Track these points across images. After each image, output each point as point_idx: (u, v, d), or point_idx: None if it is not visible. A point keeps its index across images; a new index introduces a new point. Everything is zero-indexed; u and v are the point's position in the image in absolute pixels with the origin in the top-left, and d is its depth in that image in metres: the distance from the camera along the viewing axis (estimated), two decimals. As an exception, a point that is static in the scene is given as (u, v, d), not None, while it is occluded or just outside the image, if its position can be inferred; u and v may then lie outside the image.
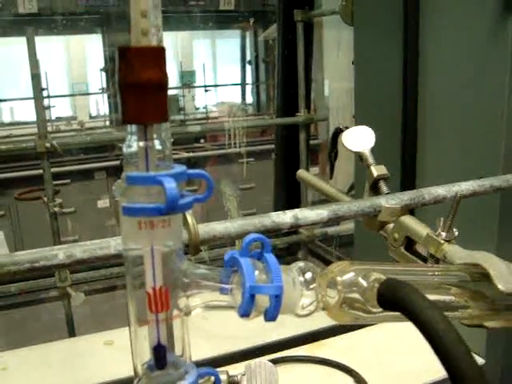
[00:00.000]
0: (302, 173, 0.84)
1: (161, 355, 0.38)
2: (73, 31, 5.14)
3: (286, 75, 2.08)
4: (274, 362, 1.23)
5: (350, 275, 0.43)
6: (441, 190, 0.71)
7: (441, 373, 1.19)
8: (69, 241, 3.28)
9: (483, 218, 1.19)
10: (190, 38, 6.58)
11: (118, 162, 4.23)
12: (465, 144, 1.21)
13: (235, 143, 2.13)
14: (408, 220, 0.63)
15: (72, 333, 1.68)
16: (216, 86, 5.94)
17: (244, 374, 0.65)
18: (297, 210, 0.59)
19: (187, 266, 0.38)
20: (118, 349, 1.33)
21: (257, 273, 0.38)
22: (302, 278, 0.41)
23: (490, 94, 1.13)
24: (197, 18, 4.81)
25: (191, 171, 0.36)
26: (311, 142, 3.71)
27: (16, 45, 4.26)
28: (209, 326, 1.46)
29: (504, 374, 1.26)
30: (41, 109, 1.77)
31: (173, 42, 6.47)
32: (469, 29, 1.16)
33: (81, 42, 5.89)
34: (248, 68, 5.82)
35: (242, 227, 0.56)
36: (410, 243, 0.62)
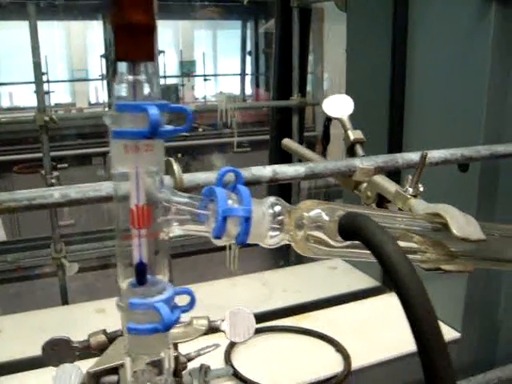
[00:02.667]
0: (286, 141, 0.88)
1: (142, 271, 0.43)
2: (73, 17, 5.16)
3: (282, 62, 2.13)
4: (260, 330, 1.28)
5: (315, 211, 0.47)
6: (414, 156, 0.75)
7: (410, 347, 1.24)
8: (65, 225, 3.32)
9: (462, 198, 1.24)
10: (192, 28, 6.59)
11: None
12: (449, 119, 1.25)
13: (230, 130, 2.17)
14: (379, 179, 0.68)
15: (65, 303, 1.73)
16: (215, 75, 5.97)
17: (224, 320, 0.70)
18: (276, 166, 0.64)
19: (169, 192, 0.43)
20: (110, 316, 1.38)
21: (230, 202, 0.43)
22: (271, 211, 0.45)
23: (474, 72, 1.18)
24: (197, 7, 4.84)
25: (173, 105, 0.41)
26: (310, 133, 3.74)
27: (14, 29, 4.29)
28: (198, 296, 1.51)
29: (480, 348, 1.32)
30: (41, 85, 1.81)
31: (174, 32, 6.48)
32: (454, 16, 1.21)
33: (82, 28, 5.90)
34: (248, 59, 5.85)
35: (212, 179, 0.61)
36: (381, 200, 0.67)
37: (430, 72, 1.30)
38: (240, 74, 5.76)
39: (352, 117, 1.64)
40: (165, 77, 5.30)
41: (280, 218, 0.46)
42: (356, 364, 1.17)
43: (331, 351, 1.22)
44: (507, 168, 1.20)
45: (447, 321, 1.33)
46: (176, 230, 0.43)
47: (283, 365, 1.17)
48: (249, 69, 5.91)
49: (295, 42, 1.88)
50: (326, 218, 0.47)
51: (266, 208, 0.45)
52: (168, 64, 5.91)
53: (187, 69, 6.24)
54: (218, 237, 0.43)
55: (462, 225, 0.55)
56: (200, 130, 4.83)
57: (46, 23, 5.31)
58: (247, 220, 0.43)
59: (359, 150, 0.74)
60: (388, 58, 1.37)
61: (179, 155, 4.56)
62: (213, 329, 0.69)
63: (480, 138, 1.17)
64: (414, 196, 0.62)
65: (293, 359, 1.20)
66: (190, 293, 0.45)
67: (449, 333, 1.31)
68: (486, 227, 0.61)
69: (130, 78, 0.39)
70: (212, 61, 6.66)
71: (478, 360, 1.32)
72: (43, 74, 4.92)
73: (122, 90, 0.39)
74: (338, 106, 0.77)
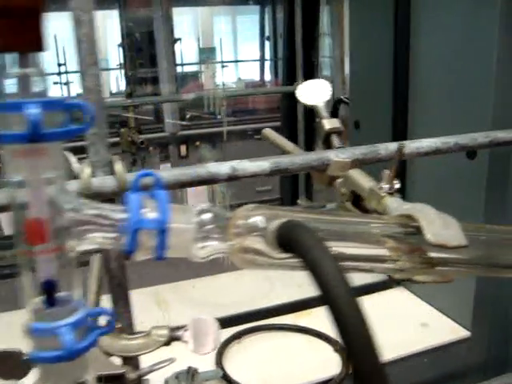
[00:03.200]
0: (267, 132, 0.82)
1: (48, 291, 0.37)
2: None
3: (289, 47, 2.06)
4: (257, 329, 1.23)
5: (254, 218, 0.41)
6: (392, 146, 0.68)
7: (419, 346, 1.18)
8: None
9: (470, 186, 1.17)
10: (211, 14, 6.52)
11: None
12: (454, 105, 1.18)
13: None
14: (355, 174, 0.61)
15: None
16: (233, 62, 5.89)
17: (187, 330, 0.65)
18: (235, 162, 0.58)
19: (78, 202, 0.38)
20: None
21: (147, 210, 0.37)
22: (197, 219, 0.40)
23: (480, 58, 1.10)
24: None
25: (70, 101, 0.35)
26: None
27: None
28: (197, 295, 1.47)
29: (491, 347, 1.24)
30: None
31: (194, 19, 6.42)
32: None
33: (101, 17, 5.88)
34: (268, 44, 5.76)
35: (176, 177, 0.55)
36: (357, 198, 0.60)
37: (434, 59, 1.22)
38: (259, 60, 5.67)
39: (356, 106, 1.57)
40: (182, 64, 5.25)
41: (209, 227, 0.40)
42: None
43: (329, 351, 1.16)
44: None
45: (457, 319, 1.26)
46: (86, 244, 0.38)
47: (277, 366, 1.12)
48: (268, 54, 5.82)
49: (298, 27, 1.81)
50: (264, 226, 0.41)
51: (191, 216, 0.40)
52: (187, 51, 5.86)
53: (206, 56, 6.18)
54: (130, 251, 0.37)
55: (438, 229, 0.48)
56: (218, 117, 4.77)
57: (65, 13, 5.28)
58: (163, 232, 0.37)
59: (335, 140, 0.67)
60: (391, 46, 1.29)
61: (197, 143, 4.53)
62: (174, 339, 0.64)
63: (488, 125, 1.09)
64: (390, 194, 0.55)
65: (288, 360, 1.14)
66: (107, 313, 0.40)
67: (459, 331, 1.24)
68: (471, 229, 0.54)
69: (14, 71, 0.33)
70: (232, 47, 6.58)
71: (490, 359, 1.25)
72: (61, 64, 4.91)
73: (5, 86, 0.34)
74: (314, 92, 0.70)
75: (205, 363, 1.12)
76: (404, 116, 1.29)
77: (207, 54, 5.95)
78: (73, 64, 5.45)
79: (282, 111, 2.18)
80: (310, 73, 2.00)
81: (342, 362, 1.11)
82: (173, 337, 0.64)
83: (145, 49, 4.60)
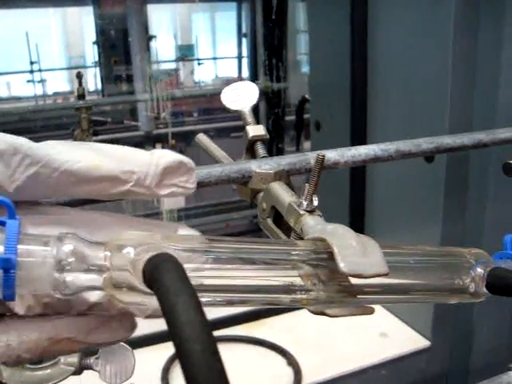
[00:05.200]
0: (200, 137, 0.76)
1: None
2: (64, 3, 5.05)
3: (255, 45, 2.01)
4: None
5: (127, 250, 0.36)
6: (332, 154, 0.63)
7: (377, 357, 1.12)
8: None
9: (429, 190, 1.13)
10: (189, 11, 6.46)
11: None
12: (413, 104, 1.14)
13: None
14: (276, 187, 0.55)
15: None
16: (210, 59, 5.83)
17: (98, 358, 0.59)
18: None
19: None
20: None
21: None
22: (54, 252, 0.34)
23: (435, 57, 1.06)
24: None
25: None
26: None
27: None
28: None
29: (452, 357, 1.20)
30: None
31: (172, 15, 6.36)
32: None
33: (77, 14, 5.80)
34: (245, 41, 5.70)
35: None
36: (278, 214, 0.54)
37: (391, 58, 1.19)
38: (237, 57, 5.61)
39: (316, 106, 1.52)
40: (157, 62, 5.18)
41: (72, 259, 0.34)
42: (308, 380, 1.06)
43: (283, 364, 1.11)
44: (477, 157, 1.08)
45: (417, 328, 1.21)
46: None
47: (228, 381, 1.06)
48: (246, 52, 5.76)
49: (258, 25, 1.76)
50: (131, 259, 0.35)
51: (49, 247, 0.34)
52: (166, 49, 5.79)
53: (184, 53, 6.12)
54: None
55: (354, 256, 0.43)
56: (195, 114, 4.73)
57: (41, 10, 5.21)
58: (6, 270, 0.31)
59: (260, 149, 0.61)
60: (348, 44, 1.24)
61: (173, 141, 4.48)
62: (85, 368, 0.59)
63: (445, 126, 1.05)
64: (310, 212, 0.50)
65: (239, 374, 1.08)
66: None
67: (419, 341, 1.19)
68: (398, 252, 0.49)
69: None
70: (211, 44, 6.53)
71: (450, 369, 1.21)
72: (33, 62, 4.82)
73: None
74: (241, 95, 0.65)
75: (149, 380, 1.07)
76: (363, 116, 1.24)
77: (185, 51, 5.88)
78: (47, 62, 5.36)
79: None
80: (278, 70, 1.94)
81: (295, 376, 1.06)
82: (83, 365, 0.58)
83: (120, 46, 4.52)
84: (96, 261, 0.36)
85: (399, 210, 1.23)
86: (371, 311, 0.47)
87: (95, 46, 5.31)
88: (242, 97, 0.64)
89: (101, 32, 4.96)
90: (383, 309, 1.28)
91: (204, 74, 6.06)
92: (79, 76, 1.63)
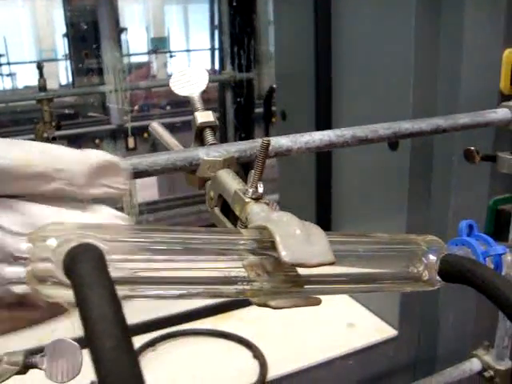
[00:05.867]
0: (154, 126, 0.73)
1: None
2: (32, -6, 4.95)
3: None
4: (171, 335, 1.16)
5: (50, 241, 0.34)
6: (284, 141, 0.61)
7: (345, 347, 1.11)
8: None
9: (394, 177, 1.12)
10: (162, 3, 6.39)
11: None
12: (376, 93, 1.13)
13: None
14: (223, 175, 0.53)
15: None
16: (183, 51, 5.78)
17: (44, 355, 0.57)
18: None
19: None
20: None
21: None
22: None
23: (398, 43, 1.05)
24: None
25: None
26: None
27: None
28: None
29: (419, 346, 1.20)
30: None
31: (145, 8, 6.29)
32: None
33: (47, 6, 5.71)
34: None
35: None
36: (226, 203, 0.53)
37: (354, 44, 1.17)
38: (209, 49, 5.57)
39: (282, 96, 1.50)
40: (129, 55, 5.12)
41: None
42: (273, 373, 1.05)
43: (248, 357, 1.10)
44: (441, 144, 1.07)
45: (384, 318, 1.21)
46: None
47: (193, 375, 1.05)
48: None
49: (224, 17, 1.75)
50: (57, 248, 0.33)
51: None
52: (138, 41, 5.73)
53: (157, 45, 6.07)
54: None
55: (297, 244, 0.41)
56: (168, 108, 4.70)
57: (9, 2, 5.12)
58: None
59: (209, 136, 0.59)
60: (312, 32, 1.23)
61: (146, 135, 4.46)
62: (30, 367, 0.56)
63: (409, 113, 1.04)
64: (255, 199, 0.48)
65: (205, 368, 1.07)
66: None
67: (386, 331, 1.19)
68: (346, 241, 0.47)
69: None
70: (184, 36, 6.47)
71: (418, 358, 1.20)
72: (1, 55, 4.72)
73: None
74: (190, 81, 0.62)
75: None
76: (328, 105, 1.23)
77: (159, 43, 5.82)
78: (16, 55, 5.26)
79: (220, 101, 2.10)
80: (244, 60, 1.92)
81: (260, 368, 1.05)
82: (28, 364, 0.56)
83: (90, 39, 4.45)
84: (18, 253, 0.34)
85: (365, 199, 1.22)
86: (318, 302, 0.45)
87: (65, 39, 5.22)
88: (192, 82, 0.62)
89: (71, 24, 4.89)
90: (351, 299, 1.28)
91: (177, 67, 6.01)
92: (40, 67, 1.59)
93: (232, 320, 1.22)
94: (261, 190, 0.48)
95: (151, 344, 1.11)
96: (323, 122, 1.22)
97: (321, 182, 1.29)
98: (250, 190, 0.48)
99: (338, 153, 1.26)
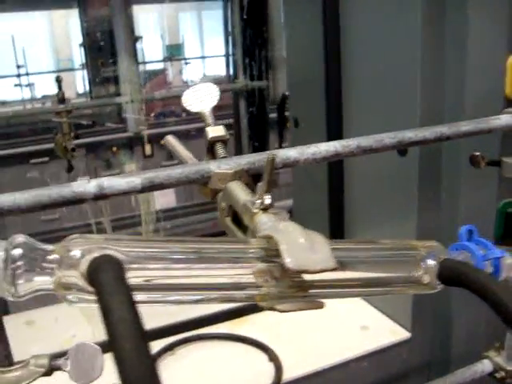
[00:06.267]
0: (169, 139, 0.77)
1: None
2: (49, 6, 5.05)
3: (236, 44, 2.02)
4: (190, 339, 1.19)
5: (74, 252, 0.37)
6: (292, 153, 0.64)
7: (359, 349, 1.14)
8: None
9: (403, 183, 1.14)
10: (176, 10, 6.46)
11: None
12: (385, 100, 1.15)
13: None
14: (233, 186, 0.56)
15: None
16: (198, 58, 5.84)
17: (67, 358, 0.60)
18: (104, 178, 0.54)
19: None
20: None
21: None
22: (2, 254, 0.35)
23: (405, 58, 1.07)
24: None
25: None
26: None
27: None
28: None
29: (432, 347, 1.22)
30: None
31: (159, 15, 6.35)
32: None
33: (64, 17, 5.80)
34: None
35: (34, 198, 0.51)
36: (236, 213, 0.56)
37: (363, 53, 1.19)
38: (224, 56, 5.62)
39: (294, 103, 1.53)
40: (144, 63, 5.18)
41: (19, 263, 0.36)
42: (288, 375, 1.07)
43: (264, 360, 1.12)
44: (449, 149, 1.09)
45: (398, 320, 1.23)
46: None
47: (211, 378, 1.08)
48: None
49: (236, 24, 1.79)
50: (81, 259, 0.36)
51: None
52: (153, 49, 5.80)
53: (173, 52, 6.13)
54: None
55: (301, 252, 0.44)
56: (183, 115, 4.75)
57: (26, 14, 5.22)
58: None
59: (220, 149, 0.62)
60: (322, 41, 1.25)
61: (162, 141, 4.50)
62: (54, 369, 0.60)
63: (417, 118, 1.07)
64: (263, 210, 0.51)
65: (222, 371, 1.10)
66: None
67: (399, 333, 1.21)
68: (349, 248, 0.50)
69: None
70: (199, 43, 6.52)
71: (431, 359, 1.22)
72: (19, 66, 4.80)
73: None
74: (202, 97, 0.66)
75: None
76: (338, 111, 1.25)
77: (174, 50, 5.88)
78: (34, 65, 5.35)
79: (234, 109, 2.13)
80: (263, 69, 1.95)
81: (276, 371, 1.07)
82: (53, 367, 0.59)
83: (106, 48, 4.52)
84: (45, 264, 0.37)
85: (377, 204, 1.25)
86: (321, 305, 0.48)
87: (82, 49, 5.30)
88: (203, 99, 0.65)
89: (87, 34, 4.96)
90: (365, 302, 1.30)
91: (192, 73, 6.06)
92: (58, 80, 1.64)
93: (247, 324, 1.24)
94: (268, 201, 0.51)
95: (170, 348, 1.15)
96: (334, 128, 1.25)
97: (333, 187, 1.32)
98: (258, 202, 0.51)
99: (349, 158, 1.29)
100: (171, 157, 0.76)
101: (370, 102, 1.20)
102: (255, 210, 0.51)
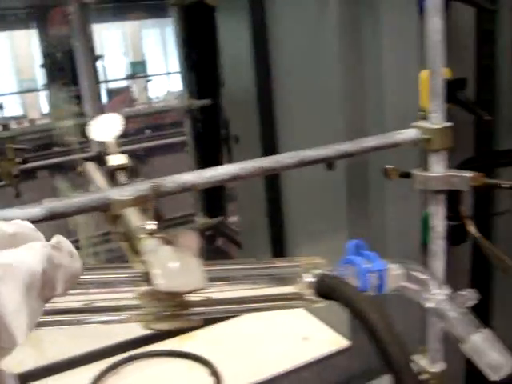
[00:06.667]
0: (88, 166, 0.79)
1: None
2: (8, 26, 5.03)
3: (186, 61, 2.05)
4: (134, 358, 1.20)
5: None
6: (189, 177, 0.66)
7: (298, 361, 1.16)
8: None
9: (332, 197, 1.18)
10: (139, 28, 6.48)
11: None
12: (313, 114, 1.19)
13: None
14: (129, 212, 0.59)
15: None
16: (157, 75, 5.86)
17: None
18: (6, 210, 0.55)
19: None
20: None
21: None
22: None
23: (326, 67, 1.11)
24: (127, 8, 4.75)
25: None
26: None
27: None
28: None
29: (371, 355, 1.25)
30: None
31: (123, 33, 6.37)
32: (304, 9, 1.14)
33: (26, 37, 5.77)
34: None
35: None
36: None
37: (290, 68, 1.23)
38: (180, 72, 5.65)
39: (234, 120, 1.56)
40: (106, 81, 5.18)
41: None
42: (228, 388, 1.10)
43: (205, 375, 1.14)
44: (376, 161, 1.13)
45: (338, 329, 1.26)
46: None
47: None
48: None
49: (178, 40, 1.83)
50: None
51: None
52: (116, 67, 5.82)
53: (137, 69, 6.13)
54: None
55: (172, 274, 0.47)
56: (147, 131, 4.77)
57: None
58: None
59: (121, 176, 0.65)
60: (251, 56, 1.29)
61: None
62: None
63: (342, 130, 1.10)
64: (150, 235, 0.54)
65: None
66: None
67: (339, 342, 1.24)
68: (226, 269, 0.53)
69: None
70: (163, 59, 6.55)
71: (372, 367, 1.25)
72: (-18, 87, 4.73)
73: None
74: (105, 126, 0.68)
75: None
76: (271, 127, 1.29)
77: (138, 67, 5.90)
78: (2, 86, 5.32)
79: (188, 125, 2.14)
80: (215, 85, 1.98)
81: (215, 386, 1.09)
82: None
83: (67, 68, 4.51)
84: None
85: (312, 218, 1.28)
86: (199, 323, 0.51)
87: (43, 69, 5.27)
88: (107, 128, 0.68)
89: (47, 55, 4.94)
90: (307, 312, 1.33)
91: (156, 90, 6.06)
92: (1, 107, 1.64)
93: (196, 339, 1.26)
94: (151, 226, 0.54)
95: (113, 367, 1.16)
96: (268, 143, 1.28)
97: (271, 200, 1.35)
98: (144, 228, 0.54)
99: (285, 172, 1.32)
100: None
101: (301, 116, 1.23)
102: (141, 236, 0.54)
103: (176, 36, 1.99)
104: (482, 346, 0.59)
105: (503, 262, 1.01)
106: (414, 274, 0.64)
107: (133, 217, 0.58)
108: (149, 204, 0.63)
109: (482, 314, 1.30)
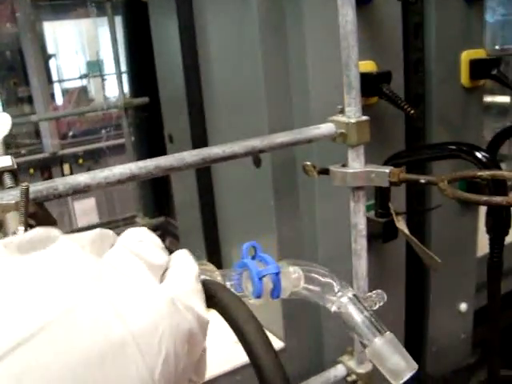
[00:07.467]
0: None
1: None
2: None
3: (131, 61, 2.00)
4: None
5: None
6: (82, 178, 0.62)
7: (230, 364, 1.12)
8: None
9: (259, 194, 1.14)
10: (95, 26, 6.36)
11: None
12: (239, 111, 1.16)
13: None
14: (8, 217, 0.55)
15: None
16: (111, 74, 5.76)
17: None
18: None
19: None
20: None
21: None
22: None
23: (251, 72, 1.08)
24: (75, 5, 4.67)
25: None
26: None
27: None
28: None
29: (306, 356, 1.22)
30: None
31: (79, 32, 6.25)
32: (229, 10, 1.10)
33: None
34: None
35: None
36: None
37: (216, 66, 1.20)
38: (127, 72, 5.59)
39: (167, 118, 1.52)
40: (59, 81, 5.07)
41: None
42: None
43: None
44: (303, 159, 1.10)
45: (271, 330, 1.23)
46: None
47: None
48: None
49: (113, 36, 1.78)
50: None
51: None
52: (71, 66, 5.73)
53: (93, 69, 6.04)
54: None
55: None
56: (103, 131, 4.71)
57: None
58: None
59: (7, 179, 0.60)
60: (180, 58, 1.25)
61: (80, 160, 4.47)
62: None
63: (266, 127, 1.07)
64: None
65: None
66: None
67: (273, 343, 1.20)
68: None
69: None
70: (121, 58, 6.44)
71: (306, 368, 1.23)
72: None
73: None
74: (-6, 126, 0.63)
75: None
76: (201, 126, 1.25)
77: (94, 66, 5.79)
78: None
79: (130, 127, 2.10)
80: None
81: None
82: None
83: (18, 67, 4.40)
84: None
85: (243, 217, 1.25)
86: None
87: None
88: (-3, 127, 0.63)
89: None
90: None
91: (113, 90, 5.96)
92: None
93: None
94: (21, 232, 0.50)
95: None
96: (198, 142, 1.24)
97: (204, 200, 1.31)
98: (12, 233, 0.50)
99: (216, 170, 1.28)
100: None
101: (228, 114, 1.20)
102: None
103: (110, 33, 1.94)
104: (382, 350, 0.56)
105: (431, 258, 0.99)
106: (316, 276, 0.61)
107: (11, 224, 0.54)
108: (31, 208, 0.59)
109: (418, 309, 1.30)
